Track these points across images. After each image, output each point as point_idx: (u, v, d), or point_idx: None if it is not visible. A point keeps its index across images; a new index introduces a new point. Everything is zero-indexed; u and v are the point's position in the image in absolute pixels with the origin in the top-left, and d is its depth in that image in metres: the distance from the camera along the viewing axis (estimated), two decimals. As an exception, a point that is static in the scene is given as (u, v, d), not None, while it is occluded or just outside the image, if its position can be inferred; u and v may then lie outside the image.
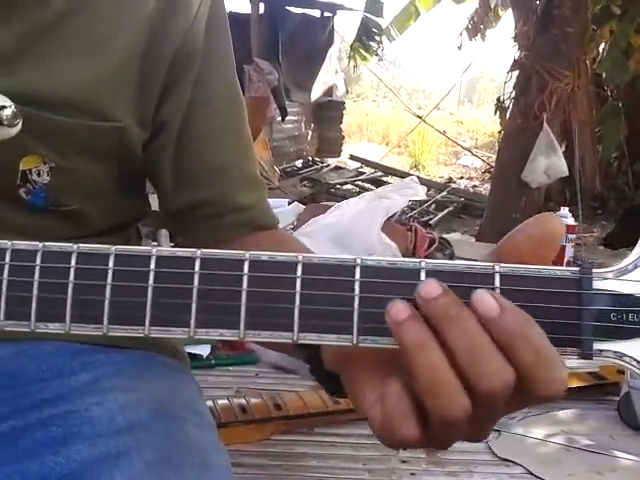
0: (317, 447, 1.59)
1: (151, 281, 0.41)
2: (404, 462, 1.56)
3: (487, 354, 0.38)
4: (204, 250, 0.42)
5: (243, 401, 1.64)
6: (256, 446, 1.56)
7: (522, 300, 0.39)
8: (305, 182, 6.61)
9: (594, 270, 0.40)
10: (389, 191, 3.26)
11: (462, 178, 8.18)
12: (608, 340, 0.40)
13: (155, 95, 0.67)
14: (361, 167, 7.96)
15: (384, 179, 7.26)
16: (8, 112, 0.56)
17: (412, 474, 1.52)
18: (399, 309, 0.39)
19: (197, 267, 0.41)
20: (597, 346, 0.39)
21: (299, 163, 7.98)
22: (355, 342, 0.40)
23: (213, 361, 2.02)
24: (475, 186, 7.69)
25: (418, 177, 7.28)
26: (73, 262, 0.42)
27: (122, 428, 0.59)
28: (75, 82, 0.62)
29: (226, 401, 1.64)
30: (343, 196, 5.70)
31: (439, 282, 0.39)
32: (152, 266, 0.42)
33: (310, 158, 8.34)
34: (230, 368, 2.02)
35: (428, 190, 6.91)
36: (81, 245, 0.43)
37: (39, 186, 0.64)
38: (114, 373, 0.65)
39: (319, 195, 5.82)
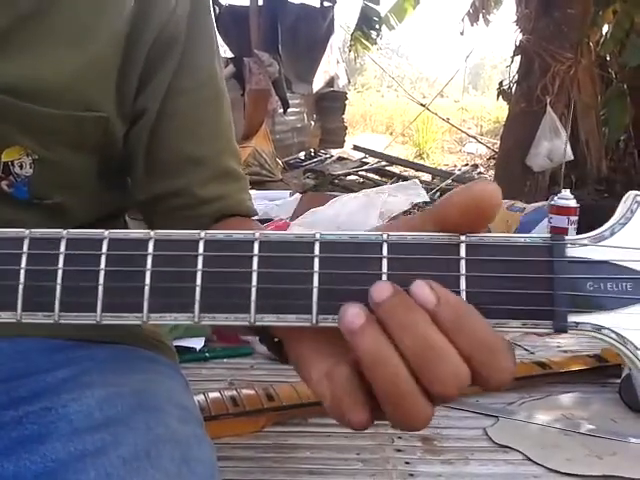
0: (310, 438, 1.55)
1: (103, 265, 0.40)
2: (399, 451, 1.51)
3: (439, 353, 0.35)
4: (158, 231, 0.40)
5: (234, 393, 1.61)
6: (248, 438, 1.53)
7: (489, 271, 0.37)
8: (308, 174, 6.59)
9: (567, 237, 0.37)
10: (389, 189, 3.26)
11: (467, 165, 8.12)
12: (585, 312, 0.36)
13: (134, 84, 0.66)
14: (365, 157, 7.90)
15: (388, 169, 7.21)
16: None
17: (407, 463, 1.47)
18: (353, 315, 0.36)
19: (150, 249, 0.40)
20: (572, 318, 0.36)
21: (302, 155, 7.93)
22: (315, 322, 0.38)
23: (207, 354, 1.97)
24: (480, 173, 7.63)
25: (422, 166, 7.24)
26: (25, 248, 0.40)
27: (99, 424, 0.57)
28: (58, 72, 0.61)
29: (217, 393, 1.61)
30: (347, 187, 5.66)
31: (391, 283, 0.37)
32: (104, 249, 0.40)
33: (313, 150, 8.29)
34: (225, 360, 1.98)
35: (433, 178, 6.86)
36: (33, 230, 0.41)
37: (22, 179, 0.63)
38: (94, 369, 0.64)
39: (323, 186, 5.79)
